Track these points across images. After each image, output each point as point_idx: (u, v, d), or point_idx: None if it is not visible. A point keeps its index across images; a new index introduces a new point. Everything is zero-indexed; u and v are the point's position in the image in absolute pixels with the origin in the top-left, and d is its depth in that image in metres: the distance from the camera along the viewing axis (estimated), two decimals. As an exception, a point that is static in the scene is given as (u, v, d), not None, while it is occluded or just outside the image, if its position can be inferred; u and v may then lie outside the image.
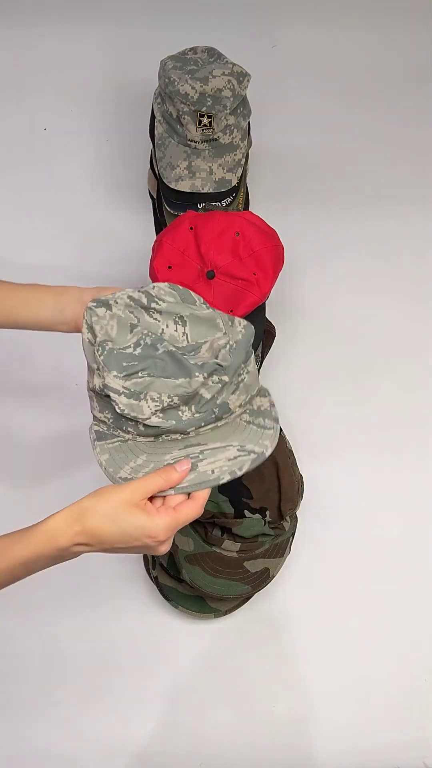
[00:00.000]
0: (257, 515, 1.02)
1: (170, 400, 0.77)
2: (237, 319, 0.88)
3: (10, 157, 1.48)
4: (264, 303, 1.20)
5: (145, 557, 1.16)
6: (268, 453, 0.79)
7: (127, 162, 1.47)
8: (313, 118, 1.53)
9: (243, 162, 1.25)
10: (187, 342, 0.83)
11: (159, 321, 0.83)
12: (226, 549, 1.02)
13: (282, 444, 1.08)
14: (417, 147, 1.52)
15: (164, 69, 1.23)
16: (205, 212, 1.19)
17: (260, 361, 1.25)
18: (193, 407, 0.79)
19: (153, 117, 1.28)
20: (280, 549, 1.07)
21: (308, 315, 1.36)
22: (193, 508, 0.73)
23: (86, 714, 1.09)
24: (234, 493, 1.02)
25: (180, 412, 0.79)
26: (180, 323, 0.83)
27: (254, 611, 1.15)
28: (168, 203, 1.26)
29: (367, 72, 1.59)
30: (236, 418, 0.83)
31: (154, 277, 1.13)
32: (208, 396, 0.79)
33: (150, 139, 1.30)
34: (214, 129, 1.21)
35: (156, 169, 1.28)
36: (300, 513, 1.19)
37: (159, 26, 1.59)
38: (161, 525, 0.71)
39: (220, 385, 0.79)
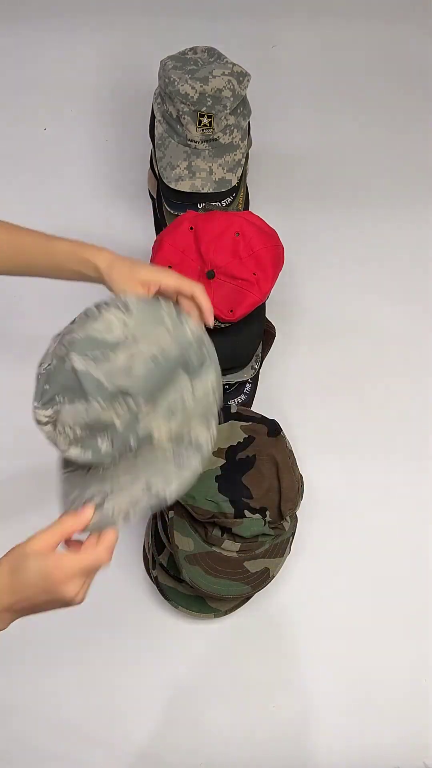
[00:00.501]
0: (257, 515, 1.02)
1: (79, 431, 0.70)
2: (190, 322, 0.76)
3: (10, 157, 1.48)
4: (264, 303, 1.20)
5: (145, 557, 1.16)
6: (167, 498, 0.72)
7: (127, 162, 1.47)
8: (313, 118, 1.53)
9: (243, 162, 1.25)
10: (124, 335, 0.71)
11: (99, 312, 0.73)
12: (226, 549, 1.02)
13: (282, 444, 1.08)
14: (417, 147, 1.52)
15: (164, 69, 1.23)
16: (205, 212, 1.19)
17: (260, 361, 1.25)
18: (108, 437, 0.70)
19: (153, 117, 1.28)
20: (280, 549, 1.07)
21: (308, 315, 1.36)
22: (96, 551, 0.69)
23: (86, 713, 1.09)
24: (234, 492, 1.02)
25: (98, 442, 0.70)
26: (122, 309, 0.73)
27: (254, 611, 1.15)
28: (168, 203, 1.26)
29: (366, 72, 1.59)
30: (161, 446, 0.73)
31: (154, 277, 1.13)
32: (119, 426, 0.69)
33: (150, 139, 1.30)
34: (214, 129, 1.21)
35: (156, 169, 1.28)
36: (300, 513, 1.19)
37: (159, 26, 1.59)
38: (59, 566, 0.66)
39: (129, 414, 0.69)
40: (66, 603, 0.69)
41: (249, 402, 1.26)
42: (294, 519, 1.10)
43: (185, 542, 1.04)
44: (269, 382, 1.29)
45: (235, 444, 1.05)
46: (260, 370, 1.28)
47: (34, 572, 0.66)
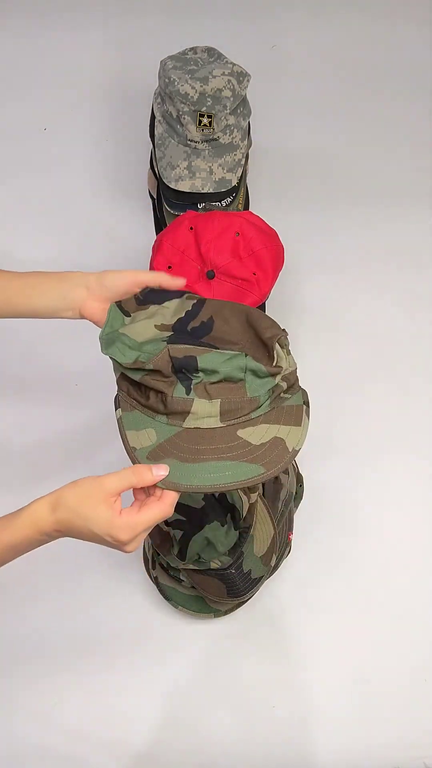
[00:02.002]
0: (228, 349, 0.76)
1: None
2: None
3: (10, 157, 1.48)
4: (264, 303, 1.20)
5: (145, 557, 1.16)
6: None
7: (127, 162, 1.47)
8: (313, 118, 1.53)
9: (243, 162, 1.25)
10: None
11: None
12: (203, 415, 0.72)
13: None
14: (417, 146, 1.52)
15: (164, 69, 1.23)
16: (205, 212, 1.19)
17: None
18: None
19: (153, 117, 1.28)
20: (291, 415, 0.75)
21: (308, 315, 1.36)
22: (160, 510, 0.71)
23: (86, 714, 1.09)
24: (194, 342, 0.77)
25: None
26: None
27: (254, 611, 1.15)
28: (168, 203, 1.26)
29: (367, 72, 1.59)
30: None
31: (154, 277, 1.13)
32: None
33: (150, 139, 1.30)
34: (214, 129, 1.21)
35: (156, 169, 1.28)
36: (300, 513, 1.20)
37: (159, 26, 1.59)
38: (121, 526, 0.70)
39: None
40: (121, 551, 0.73)
41: (249, 402, 1.25)
42: (291, 362, 0.84)
43: (144, 436, 0.76)
44: (269, 382, 1.29)
45: (183, 315, 0.82)
46: (260, 370, 1.27)
47: (100, 522, 0.70)
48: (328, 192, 1.47)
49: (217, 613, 1.11)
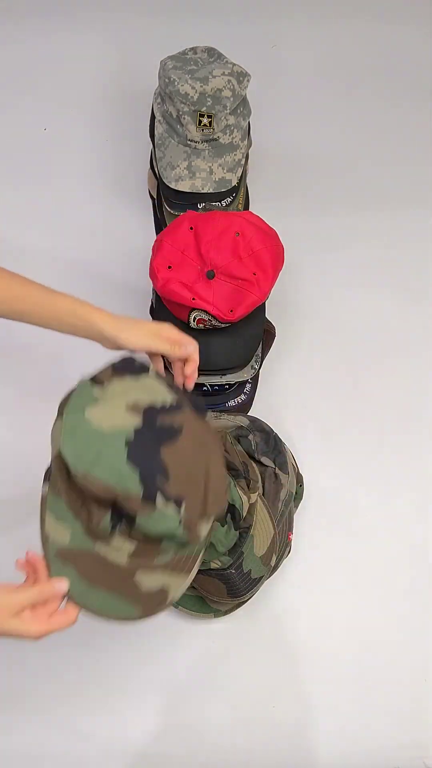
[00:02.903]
0: (171, 506, 0.74)
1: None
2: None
3: (10, 157, 1.48)
4: (264, 303, 1.20)
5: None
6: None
7: (127, 162, 1.47)
8: (312, 117, 1.53)
9: (243, 162, 1.25)
10: None
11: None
12: (115, 548, 0.76)
13: (212, 428, 0.86)
14: (417, 146, 1.52)
15: (164, 69, 1.23)
16: (205, 212, 1.19)
17: (260, 361, 1.25)
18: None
19: (153, 117, 1.28)
20: (186, 563, 0.79)
21: (308, 315, 1.36)
22: (67, 620, 0.79)
23: (86, 714, 1.09)
24: (147, 466, 0.75)
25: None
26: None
27: (254, 611, 1.15)
28: (168, 203, 1.26)
29: (366, 72, 1.59)
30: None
31: (154, 277, 1.14)
32: None
33: (150, 139, 1.30)
34: (214, 129, 1.21)
35: (156, 169, 1.28)
36: (300, 513, 1.20)
37: (159, 26, 1.59)
38: (33, 632, 0.79)
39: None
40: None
41: (249, 402, 1.26)
42: (215, 529, 0.91)
43: (60, 531, 0.78)
44: (269, 382, 1.29)
45: (158, 406, 0.80)
46: (260, 370, 1.28)
47: (9, 632, 0.78)
48: (328, 192, 1.47)
49: (217, 613, 1.11)
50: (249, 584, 1.03)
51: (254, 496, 1.02)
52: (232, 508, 0.99)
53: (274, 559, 1.04)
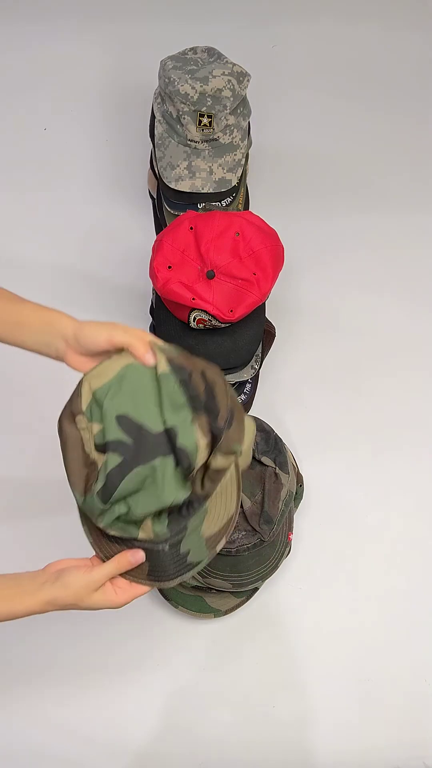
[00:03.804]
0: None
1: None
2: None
3: (10, 156, 1.48)
4: (264, 303, 1.20)
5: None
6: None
7: (127, 162, 1.47)
8: (313, 117, 1.53)
9: (243, 162, 1.25)
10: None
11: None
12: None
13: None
14: (417, 146, 1.52)
15: (164, 69, 1.23)
16: (205, 212, 1.19)
17: (260, 361, 1.25)
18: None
19: (153, 117, 1.28)
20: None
21: (308, 315, 1.36)
22: (144, 587, 0.82)
23: (86, 714, 1.09)
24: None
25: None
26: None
27: (254, 611, 1.15)
28: (168, 203, 1.26)
29: (367, 71, 1.59)
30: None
31: (154, 277, 1.14)
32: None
33: (150, 139, 1.30)
34: (214, 129, 1.21)
35: (156, 169, 1.28)
36: (300, 513, 1.20)
37: (159, 26, 1.59)
38: (119, 602, 0.81)
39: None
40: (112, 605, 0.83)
41: (249, 402, 1.26)
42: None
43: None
44: (269, 382, 1.29)
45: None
46: (260, 370, 1.28)
47: (95, 604, 0.81)
48: (328, 192, 1.47)
49: (217, 613, 1.11)
50: (181, 568, 0.81)
51: (225, 460, 0.78)
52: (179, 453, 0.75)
53: (221, 544, 0.82)
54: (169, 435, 0.75)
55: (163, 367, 0.77)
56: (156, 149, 1.26)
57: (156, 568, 0.80)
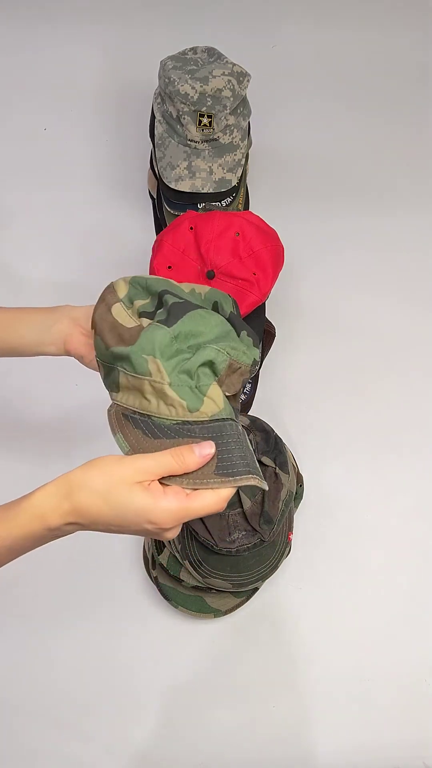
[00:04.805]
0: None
1: None
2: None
3: (10, 157, 1.48)
4: (264, 303, 1.20)
5: (145, 557, 1.16)
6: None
7: (127, 162, 1.47)
8: (313, 118, 1.53)
9: (243, 162, 1.25)
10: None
11: None
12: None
13: None
14: (417, 146, 1.52)
15: (164, 69, 1.23)
16: (205, 212, 1.19)
17: (260, 361, 1.25)
18: None
19: (153, 117, 1.29)
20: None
21: (308, 315, 1.36)
22: (213, 501, 0.59)
23: (86, 714, 1.09)
24: None
25: None
26: None
27: (254, 611, 1.15)
28: (168, 203, 1.26)
29: (367, 72, 1.59)
30: None
31: (154, 277, 1.13)
32: None
33: (150, 139, 1.30)
34: (214, 129, 1.21)
35: (156, 169, 1.28)
36: (300, 513, 1.20)
37: (159, 26, 1.59)
38: (167, 512, 0.58)
39: None
40: (161, 539, 0.63)
41: (249, 402, 1.26)
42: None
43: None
44: (269, 382, 1.29)
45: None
46: (260, 370, 1.28)
47: (135, 510, 0.58)
48: (328, 192, 1.47)
49: (217, 613, 1.11)
50: (248, 458, 0.65)
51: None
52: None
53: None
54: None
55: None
56: (156, 149, 1.26)
57: (225, 460, 0.61)
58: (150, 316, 0.72)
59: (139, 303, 0.76)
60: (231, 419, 0.64)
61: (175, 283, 0.79)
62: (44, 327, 0.83)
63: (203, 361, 0.66)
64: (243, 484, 0.59)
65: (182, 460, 0.59)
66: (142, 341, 0.66)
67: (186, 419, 0.63)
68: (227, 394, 0.68)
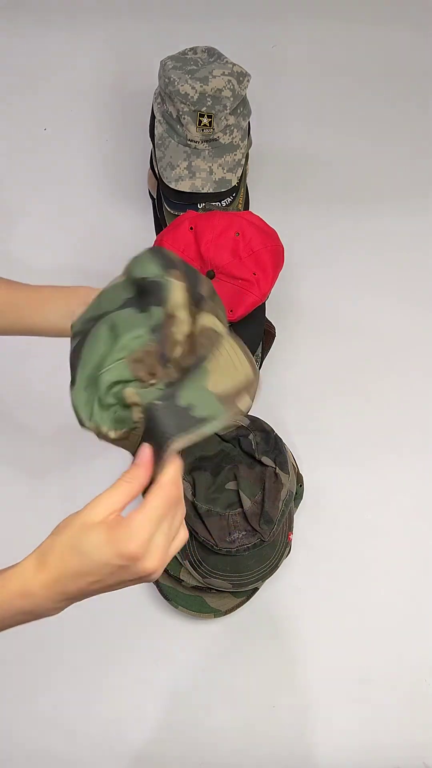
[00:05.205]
0: None
1: None
2: None
3: (10, 156, 1.48)
4: (264, 303, 1.20)
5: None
6: None
7: (127, 162, 1.47)
8: (313, 117, 1.53)
9: (243, 162, 1.25)
10: None
11: None
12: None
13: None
14: (417, 146, 1.52)
15: (164, 69, 1.23)
16: (205, 212, 1.19)
17: (260, 361, 1.25)
18: None
19: (153, 117, 1.28)
20: None
21: (308, 315, 1.36)
22: (161, 492, 0.56)
23: (86, 714, 1.09)
24: None
25: None
26: None
27: (254, 611, 1.15)
28: (168, 203, 1.26)
29: (367, 72, 1.59)
30: None
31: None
32: None
33: (150, 139, 1.30)
34: (214, 129, 1.21)
35: (156, 169, 1.28)
36: (300, 513, 1.20)
37: (159, 26, 1.59)
38: (121, 537, 0.54)
39: None
40: (146, 578, 0.57)
41: (249, 402, 1.26)
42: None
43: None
44: (269, 382, 1.29)
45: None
46: (260, 370, 1.28)
47: (99, 546, 0.55)
48: (328, 192, 1.47)
49: (217, 613, 1.11)
50: (185, 423, 0.61)
51: (207, 318, 0.68)
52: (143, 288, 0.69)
53: (244, 402, 0.66)
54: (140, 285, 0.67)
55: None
56: (156, 149, 1.26)
57: (152, 430, 0.60)
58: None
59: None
60: (152, 403, 0.61)
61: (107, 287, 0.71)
62: (68, 312, 0.82)
63: (110, 388, 0.64)
64: (180, 445, 0.59)
65: (134, 478, 0.58)
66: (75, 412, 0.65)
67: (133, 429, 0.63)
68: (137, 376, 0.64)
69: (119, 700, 1.10)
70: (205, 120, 1.20)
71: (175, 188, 1.22)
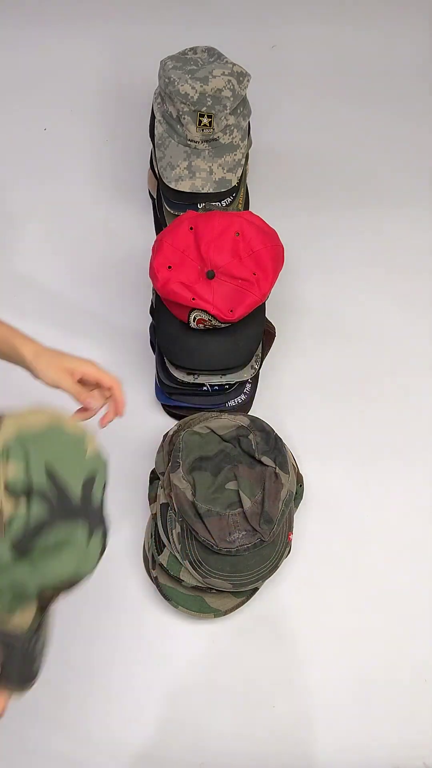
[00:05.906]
0: None
1: None
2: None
3: (10, 157, 1.48)
4: (264, 303, 1.20)
5: (145, 557, 1.16)
6: None
7: (127, 162, 1.47)
8: (313, 118, 1.53)
9: (243, 162, 1.25)
10: None
11: None
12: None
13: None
14: (417, 146, 1.52)
15: (164, 69, 1.23)
16: (205, 212, 1.19)
17: (260, 361, 1.25)
18: None
19: (153, 117, 1.28)
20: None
21: (308, 315, 1.36)
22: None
23: (86, 714, 1.09)
24: None
25: None
26: None
27: (254, 611, 1.15)
28: (168, 203, 1.26)
29: (366, 72, 1.59)
30: None
31: (154, 277, 1.14)
32: None
33: (150, 139, 1.30)
34: (214, 129, 1.21)
35: (156, 169, 1.28)
36: (300, 513, 1.20)
37: (159, 26, 1.59)
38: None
39: None
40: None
41: (249, 402, 1.26)
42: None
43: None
44: (269, 383, 1.29)
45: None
46: (260, 370, 1.28)
47: None
48: (328, 192, 1.47)
49: (217, 613, 1.11)
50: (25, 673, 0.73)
51: None
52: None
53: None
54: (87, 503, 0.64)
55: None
56: (156, 149, 1.26)
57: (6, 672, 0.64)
58: (19, 492, 0.62)
59: (11, 467, 0.62)
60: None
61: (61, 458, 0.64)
62: (12, 361, 0.92)
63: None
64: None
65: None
66: None
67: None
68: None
69: (119, 699, 1.10)
70: (205, 120, 1.20)
71: (175, 188, 1.22)
